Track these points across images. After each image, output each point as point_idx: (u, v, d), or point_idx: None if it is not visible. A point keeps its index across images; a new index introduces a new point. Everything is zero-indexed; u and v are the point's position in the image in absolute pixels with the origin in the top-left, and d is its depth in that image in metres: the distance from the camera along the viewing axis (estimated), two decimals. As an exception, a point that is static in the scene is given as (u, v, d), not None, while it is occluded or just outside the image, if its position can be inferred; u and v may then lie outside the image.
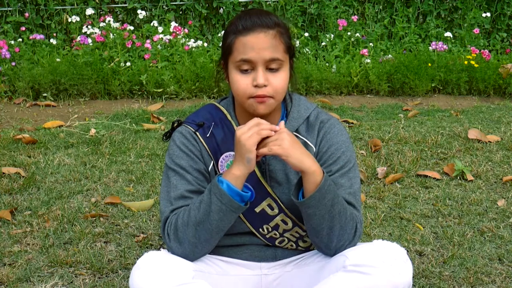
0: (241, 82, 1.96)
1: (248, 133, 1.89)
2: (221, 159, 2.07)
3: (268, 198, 2.07)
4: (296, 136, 2.07)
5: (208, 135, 2.07)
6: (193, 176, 2.04)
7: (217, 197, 1.91)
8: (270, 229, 2.10)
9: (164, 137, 2.15)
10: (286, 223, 2.09)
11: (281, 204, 2.08)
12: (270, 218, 2.08)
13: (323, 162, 2.06)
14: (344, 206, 1.98)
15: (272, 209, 2.08)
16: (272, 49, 1.94)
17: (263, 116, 2.00)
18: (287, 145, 1.90)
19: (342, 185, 2.04)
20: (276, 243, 2.12)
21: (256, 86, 1.94)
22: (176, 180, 2.03)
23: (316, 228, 1.97)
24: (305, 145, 2.08)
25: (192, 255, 2.00)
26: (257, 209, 2.08)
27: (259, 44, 1.93)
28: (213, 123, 2.09)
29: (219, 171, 2.07)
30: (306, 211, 1.96)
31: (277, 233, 2.10)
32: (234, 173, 1.91)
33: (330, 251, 2.02)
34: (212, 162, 2.07)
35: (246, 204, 1.97)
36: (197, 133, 2.07)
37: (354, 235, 2.00)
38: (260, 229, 2.10)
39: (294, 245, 2.14)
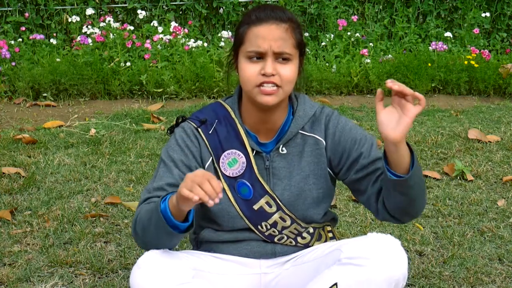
0: (250, 70, 1.98)
1: (189, 183, 1.78)
2: (222, 156, 2.09)
3: (266, 195, 2.09)
4: (303, 134, 2.09)
5: (210, 132, 2.10)
6: (180, 171, 2.05)
7: (156, 214, 1.90)
8: (268, 226, 2.11)
9: (168, 131, 2.17)
10: (284, 220, 2.11)
11: (279, 202, 2.09)
12: (269, 215, 2.10)
13: (348, 151, 2.08)
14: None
15: (270, 206, 2.09)
16: (282, 42, 1.96)
17: (269, 109, 2.02)
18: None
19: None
20: (275, 239, 2.13)
21: (264, 74, 1.96)
22: (163, 171, 2.07)
23: (415, 198, 1.98)
24: (316, 140, 2.10)
25: (146, 248, 1.99)
26: (256, 207, 2.09)
27: (270, 34, 1.96)
28: (216, 120, 2.11)
29: (219, 168, 2.08)
30: (408, 185, 1.93)
31: (276, 231, 2.12)
32: (173, 201, 1.87)
33: (420, 212, 2.07)
34: (211, 158, 2.09)
35: (183, 232, 1.91)
36: (199, 130, 2.10)
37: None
38: (259, 226, 2.11)
39: (293, 241, 2.15)
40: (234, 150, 2.09)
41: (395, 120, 1.86)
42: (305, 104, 2.13)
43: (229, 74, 2.14)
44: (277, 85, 1.97)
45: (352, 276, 1.87)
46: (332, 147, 2.11)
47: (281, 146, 2.09)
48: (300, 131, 2.10)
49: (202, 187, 1.76)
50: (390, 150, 1.89)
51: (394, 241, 1.93)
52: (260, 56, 1.97)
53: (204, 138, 2.09)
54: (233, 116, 2.11)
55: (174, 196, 1.88)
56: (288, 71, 1.98)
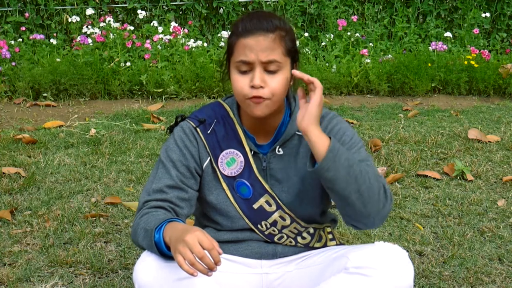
0: (239, 83, 1.98)
1: (188, 254, 1.76)
2: (221, 156, 2.09)
3: (266, 194, 2.09)
4: (299, 136, 2.10)
5: (209, 132, 2.10)
6: (179, 171, 2.06)
7: (150, 242, 1.91)
8: (268, 226, 2.11)
9: (168, 130, 2.18)
10: (284, 219, 2.11)
11: (279, 201, 2.10)
12: (268, 214, 2.10)
13: None
14: (363, 167, 1.94)
15: (270, 205, 2.10)
16: (269, 51, 1.95)
17: (262, 117, 2.01)
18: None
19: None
20: (275, 239, 2.14)
21: (252, 87, 1.96)
22: (162, 173, 2.07)
23: (344, 194, 1.91)
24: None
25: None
26: (255, 206, 2.10)
27: (257, 46, 1.95)
28: (215, 120, 2.11)
29: (218, 168, 2.09)
30: (326, 177, 1.90)
31: (276, 230, 2.12)
32: (168, 235, 1.85)
33: (370, 219, 1.95)
34: (209, 158, 2.10)
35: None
36: (198, 129, 2.10)
37: (386, 197, 1.95)
38: (259, 225, 2.11)
39: (293, 241, 2.15)
40: (232, 150, 2.09)
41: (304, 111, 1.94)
42: None
43: (224, 80, 2.13)
44: (265, 98, 1.96)
45: (358, 286, 1.88)
46: None
47: (277, 147, 2.09)
48: (297, 132, 2.10)
49: (202, 260, 1.75)
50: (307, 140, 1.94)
51: (401, 251, 1.94)
52: (249, 69, 1.96)
53: (203, 138, 2.10)
54: (232, 116, 2.11)
55: (169, 229, 1.86)
56: (276, 83, 1.96)
